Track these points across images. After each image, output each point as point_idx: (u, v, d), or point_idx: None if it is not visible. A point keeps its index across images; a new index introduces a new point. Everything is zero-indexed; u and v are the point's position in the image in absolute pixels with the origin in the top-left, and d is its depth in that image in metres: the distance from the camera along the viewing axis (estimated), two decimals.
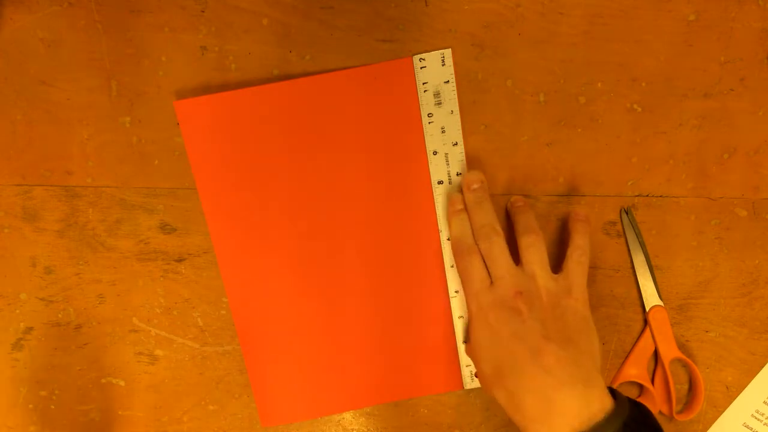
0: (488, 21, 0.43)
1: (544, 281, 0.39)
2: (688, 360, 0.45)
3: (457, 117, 0.43)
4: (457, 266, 0.41)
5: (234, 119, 0.43)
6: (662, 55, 0.44)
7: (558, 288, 0.39)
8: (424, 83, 0.43)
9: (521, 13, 0.43)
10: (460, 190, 0.43)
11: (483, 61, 0.44)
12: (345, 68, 0.43)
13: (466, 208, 0.42)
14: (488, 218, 0.41)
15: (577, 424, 0.33)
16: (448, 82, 0.43)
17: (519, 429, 0.36)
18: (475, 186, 0.42)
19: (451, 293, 0.45)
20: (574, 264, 0.40)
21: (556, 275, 0.40)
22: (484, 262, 0.40)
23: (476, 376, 0.44)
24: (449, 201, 0.43)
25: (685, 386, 0.47)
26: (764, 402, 0.46)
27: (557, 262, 0.45)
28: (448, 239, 0.44)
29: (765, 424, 0.46)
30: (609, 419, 0.33)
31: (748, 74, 0.44)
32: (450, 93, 0.43)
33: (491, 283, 0.39)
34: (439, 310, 0.45)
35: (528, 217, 0.42)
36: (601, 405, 0.34)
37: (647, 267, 0.45)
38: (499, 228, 0.41)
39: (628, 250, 0.45)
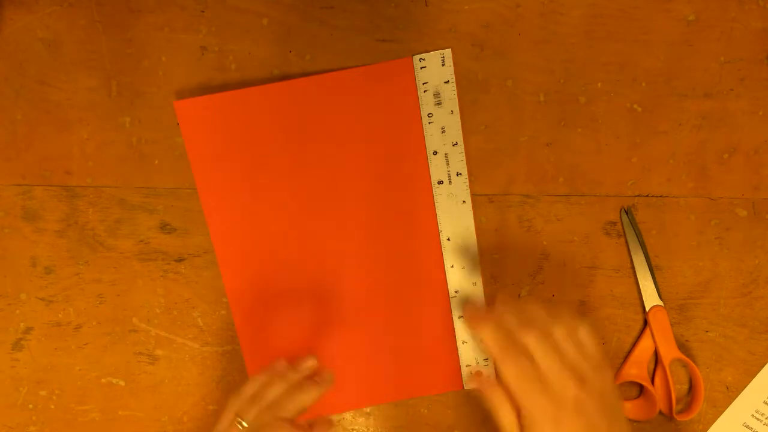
0: (488, 21, 0.43)
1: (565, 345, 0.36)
2: (688, 360, 0.45)
3: (457, 117, 0.43)
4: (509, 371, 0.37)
5: (234, 119, 0.43)
6: (662, 55, 0.44)
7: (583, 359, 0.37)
8: (424, 83, 0.43)
9: (521, 13, 0.43)
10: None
11: (483, 61, 0.44)
12: (345, 68, 0.43)
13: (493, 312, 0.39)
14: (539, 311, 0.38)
15: None
16: (448, 82, 0.43)
17: None
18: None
19: (451, 293, 0.45)
20: (586, 336, 0.37)
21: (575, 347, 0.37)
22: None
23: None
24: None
25: (685, 386, 0.47)
26: (764, 402, 0.46)
27: (558, 260, 0.45)
28: (448, 239, 0.44)
29: (765, 424, 0.46)
30: None
31: (748, 74, 0.44)
32: (450, 93, 0.43)
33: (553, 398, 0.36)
34: (439, 310, 0.45)
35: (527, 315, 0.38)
36: None
37: (647, 267, 0.45)
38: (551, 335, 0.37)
39: (628, 250, 0.45)
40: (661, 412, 0.46)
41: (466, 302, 0.44)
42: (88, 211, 0.44)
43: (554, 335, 0.36)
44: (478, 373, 0.45)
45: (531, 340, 0.36)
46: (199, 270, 0.45)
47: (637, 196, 0.45)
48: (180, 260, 0.45)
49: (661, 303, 0.45)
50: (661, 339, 0.45)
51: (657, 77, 0.44)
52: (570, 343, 0.36)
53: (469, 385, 0.45)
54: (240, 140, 0.43)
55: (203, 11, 0.43)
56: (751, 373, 0.46)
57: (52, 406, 0.45)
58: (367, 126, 0.43)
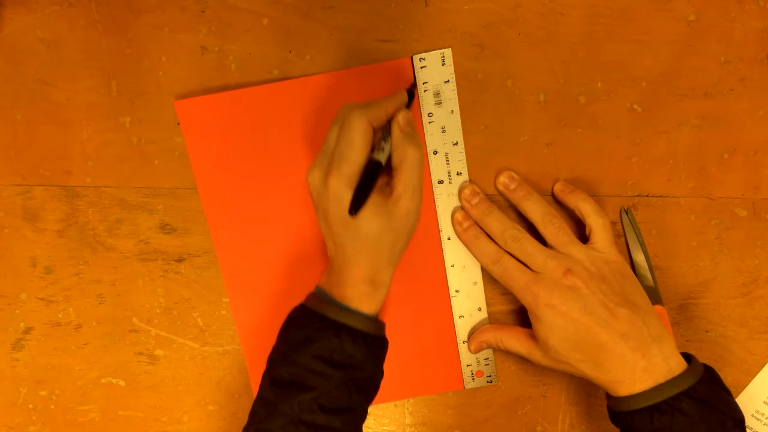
0: (488, 21, 0.43)
1: (583, 255, 0.40)
2: None
3: (457, 117, 0.43)
4: (495, 274, 0.42)
5: (234, 119, 0.43)
6: (662, 55, 0.44)
7: (596, 257, 0.40)
8: (424, 83, 0.43)
9: (521, 13, 0.43)
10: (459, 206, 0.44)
11: (483, 61, 0.44)
12: (345, 68, 0.43)
13: (474, 222, 0.43)
14: (505, 223, 0.42)
15: (660, 377, 0.36)
16: (448, 81, 0.43)
17: (603, 388, 0.39)
18: (476, 201, 0.43)
19: (452, 293, 0.45)
20: (599, 229, 0.41)
21: (588, 246, 0.41)
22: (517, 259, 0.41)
23: (534, 359, 0.42)
24: (454, 221, 0.44)
25: None
26: (764, 402, 0.46)
27: None
28: (449, 239, 0.44)
29: (765, 424, 0.46)
30: (687, 372, 0.37)
31: (748, 74, 0.44)
32: (450, 93, 0.43)
33: (534, 273, 0.40)
34: (439, 310, 0.45)
35: (538, 203, 0.42)
36: (677, 360, 0.37)
37: (647, 267, 0.45)
38: (519, 226, 0.41)
39: (628, 250, 0.45)
40: None
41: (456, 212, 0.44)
42: (88, 211, 0.44)
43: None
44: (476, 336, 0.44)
45: (512, 246, 0.41)
46: (199, 270, 0.45)
47: (637, 196, 0.45)
48: (180, 260, 0.45)
49: (661, 303, 0.45)
50: None
51: (657, 77, 0.44)
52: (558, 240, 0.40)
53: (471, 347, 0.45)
54: (240, 140, 0.43)
55: (203, 11, 0.43)
56: (751, 373, 0.46)
57: (52, 406, 0.45)
58: None
